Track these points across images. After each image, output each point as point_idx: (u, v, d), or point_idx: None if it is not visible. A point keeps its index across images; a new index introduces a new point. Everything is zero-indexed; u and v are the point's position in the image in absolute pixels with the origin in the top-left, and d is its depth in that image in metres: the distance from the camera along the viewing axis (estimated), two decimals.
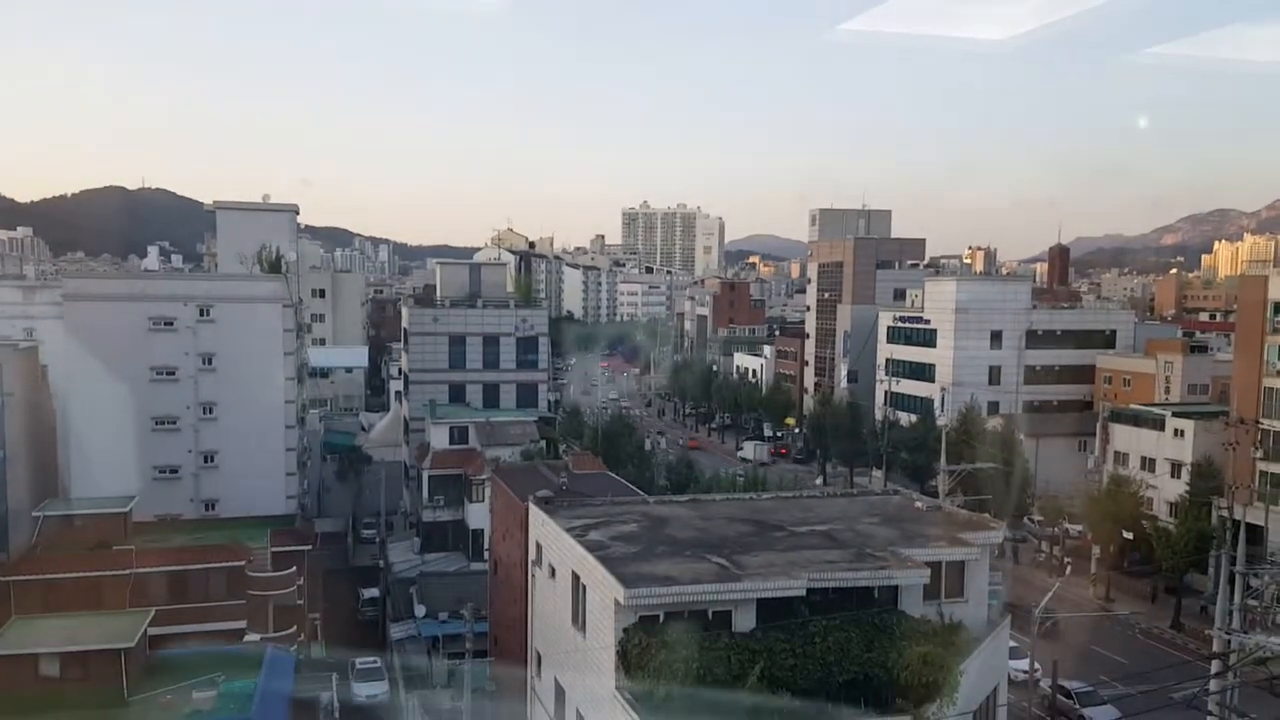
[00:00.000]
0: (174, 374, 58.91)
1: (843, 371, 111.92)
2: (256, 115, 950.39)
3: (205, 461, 59.56)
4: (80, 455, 55.48)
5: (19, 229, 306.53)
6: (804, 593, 24.08)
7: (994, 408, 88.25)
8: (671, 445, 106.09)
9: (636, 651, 22.67)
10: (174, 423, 59.00)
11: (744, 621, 23.84)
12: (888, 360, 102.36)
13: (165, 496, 57.41)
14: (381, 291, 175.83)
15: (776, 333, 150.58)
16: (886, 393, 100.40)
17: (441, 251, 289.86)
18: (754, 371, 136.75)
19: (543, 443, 60.99)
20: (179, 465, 59.18)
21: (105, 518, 48.09)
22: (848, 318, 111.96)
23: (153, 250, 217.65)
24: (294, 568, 47.17)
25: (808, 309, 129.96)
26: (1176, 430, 67.67)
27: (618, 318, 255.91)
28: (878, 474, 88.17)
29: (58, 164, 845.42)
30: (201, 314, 59.51)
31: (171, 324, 58.91)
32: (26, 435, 52.52)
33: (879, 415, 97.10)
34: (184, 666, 37.24)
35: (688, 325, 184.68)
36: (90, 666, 35.33)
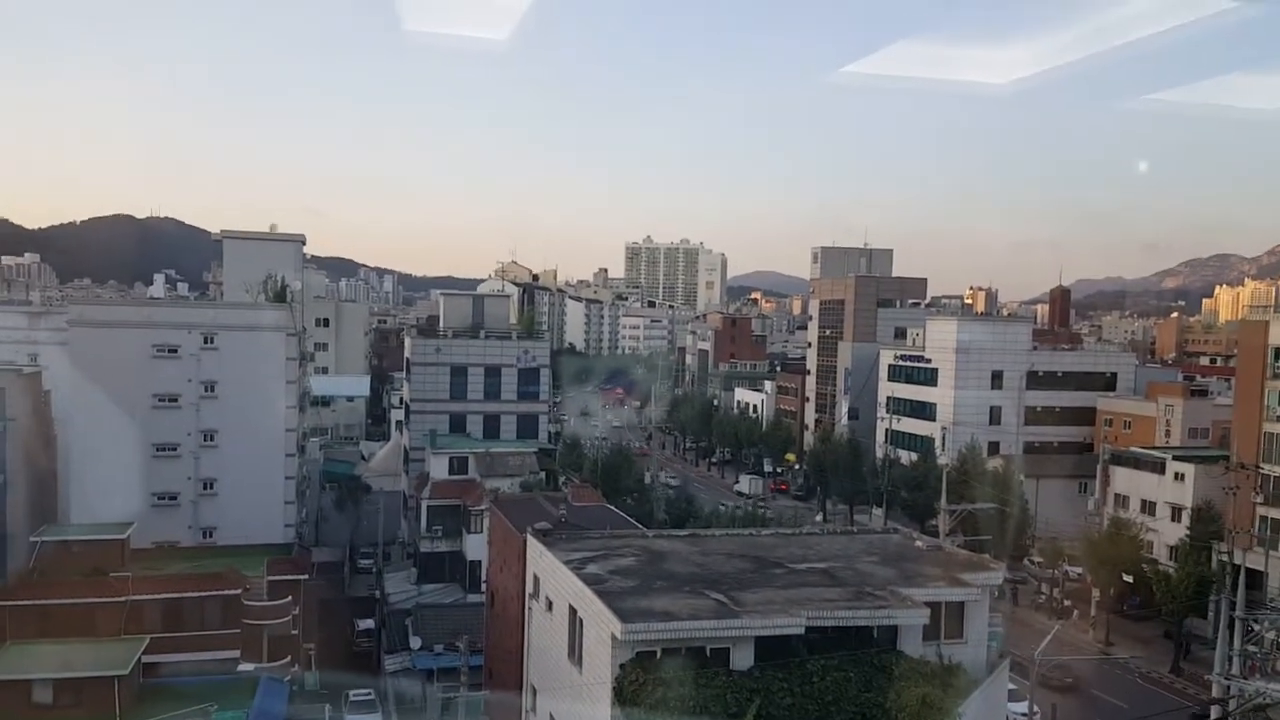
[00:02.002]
0: (176, 401, 59.05)
1: (843, 408, 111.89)
2: (266, 146, 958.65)
3: (205, 489, 59.52)
4: (80, 481, 55.52)
5: (26, 255, 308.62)
6: (803, 631, 24.01)
7: (994, 448, 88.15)
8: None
9: (633, 687, 22.57)
10: (174, 449, 59.03)
11: (742, 659, 23.75)
12: (889, 398, 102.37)
13: (164, 523, 57.33)
14: (385, 321, 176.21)
15: (778, 368, 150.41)
16: (887, 431, 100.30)
17: (445, 283, 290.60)
18: (755, 407, 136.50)
19: (542, 474, 60.94)
20: (178, 492, 59.15)
21: (103, 544, 48.05)
22: (849, 355, 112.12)
23: (159, 278, 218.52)
24: (290, 597, 46.99)
25: (809, 345, 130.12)
26: (1177, 474, 67.50)
27: (620, 351, 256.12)
28: (878, 512, 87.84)
29: (66, 191, 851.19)
30: (205, 341, 59.76)
31: (175, 351, 59.14)
32: (27, 460, 52.50)
33: (879, 453, 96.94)
34: (177, 694, 37.10)
35: (689, 359, 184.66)
36: (84, 693, 35.24)
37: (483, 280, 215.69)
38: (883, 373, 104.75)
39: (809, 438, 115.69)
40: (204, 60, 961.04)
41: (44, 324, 71.04)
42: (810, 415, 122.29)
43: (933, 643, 26.62)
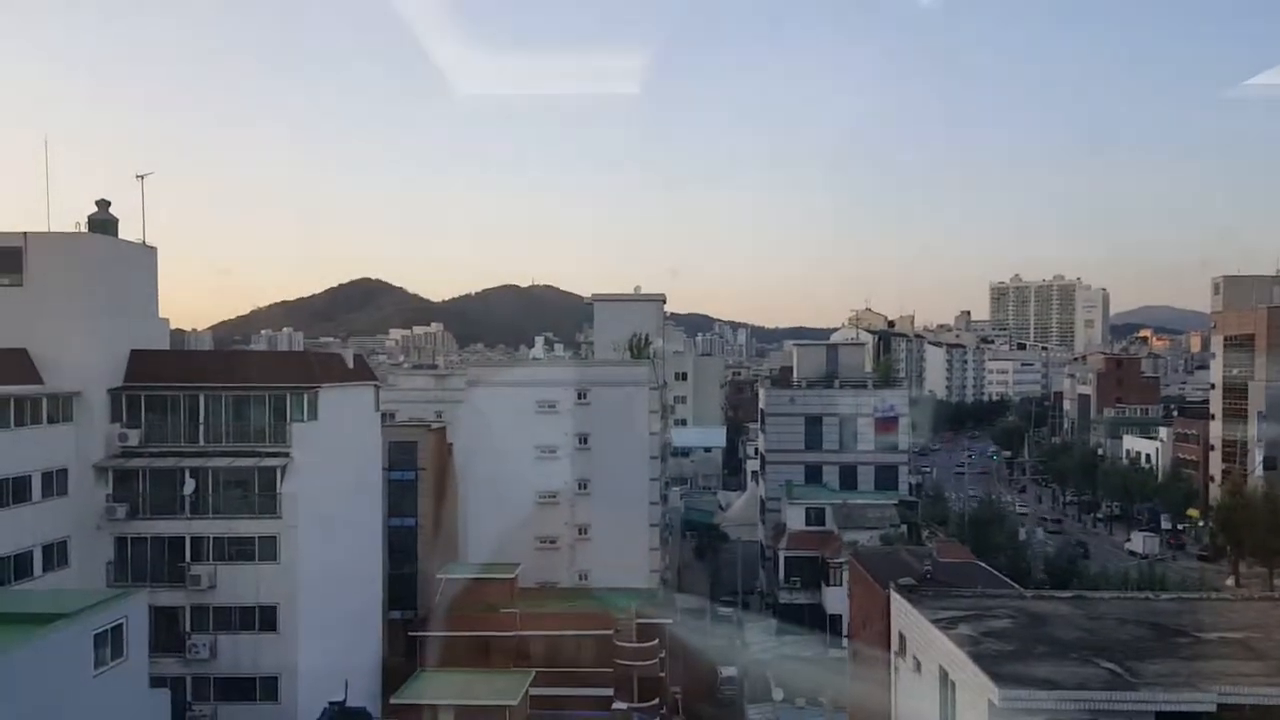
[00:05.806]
0: (555, 452, 63.84)
1: (1257, 457, 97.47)
2: (630, 214, 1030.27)
3: (580, 534, 63.57)
4: (476, 523, 61.55)
5: (432, 324, 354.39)
6: (1214, 709, 20.86)
7: None
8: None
9: None
10: (554, 497, 63.73)
11: None
12: None
13: (546, 564, 61.84)
14: (739, 373, 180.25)
15: (1174, 413, 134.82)
16: None
17: (798, 333, 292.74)
18: (1147, 456, 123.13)
19: (903, 527, 58.67)
20: (558, 536, 63.62)
21: (496, 582, 52.61)
22: (1261, 397, 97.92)
23: (538, 340, 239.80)
24: (656, 640, 48.66)
25: (1211, 387, 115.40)
26: None
27: (985, 397, 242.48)
28: None
29: (463, 267, 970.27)
30: (579, 397, 64.29)
31: (554, 406, 64.15)
32: (435, 505, 59.28)
33: None
34: None
35: (1067, 405, 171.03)
36: None
37: (835, 329, 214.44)
38: None
39: (1214, 490, 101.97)
40: (577, 148, 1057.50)
41: (447, 385, 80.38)
42: (1216, 465, 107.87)
43: None
